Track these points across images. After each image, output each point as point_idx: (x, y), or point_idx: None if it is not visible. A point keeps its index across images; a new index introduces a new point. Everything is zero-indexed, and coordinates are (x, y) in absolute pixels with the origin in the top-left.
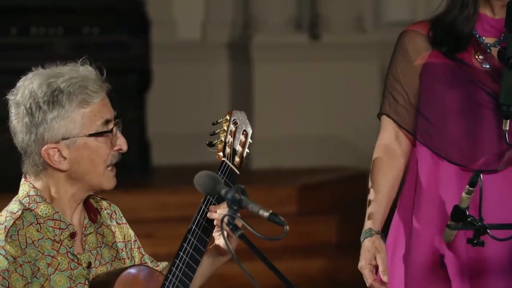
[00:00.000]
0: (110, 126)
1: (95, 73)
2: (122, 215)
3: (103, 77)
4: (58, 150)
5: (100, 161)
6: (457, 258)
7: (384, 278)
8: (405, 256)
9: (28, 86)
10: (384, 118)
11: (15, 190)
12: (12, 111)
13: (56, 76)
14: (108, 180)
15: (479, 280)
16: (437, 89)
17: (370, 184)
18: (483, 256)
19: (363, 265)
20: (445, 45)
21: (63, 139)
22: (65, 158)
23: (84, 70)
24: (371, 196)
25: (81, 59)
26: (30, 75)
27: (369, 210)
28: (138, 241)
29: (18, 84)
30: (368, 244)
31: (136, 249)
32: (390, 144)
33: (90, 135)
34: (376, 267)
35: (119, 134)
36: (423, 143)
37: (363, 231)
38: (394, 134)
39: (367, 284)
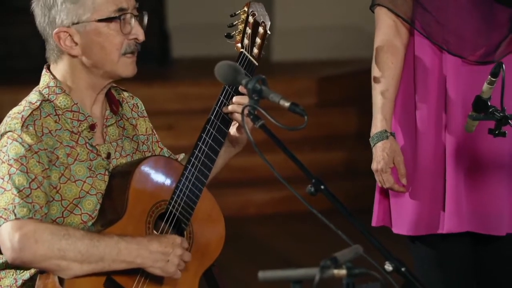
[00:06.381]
0: (125, 14)
1: None
2: (144, 108)
3: None
4: (69, 35)
5: (113, 48)
6: (457, 148)
7: (403, 181)
8: (410, 151)
9: None
10: (380, 11)
11: (35, 81)
12: None
13: None
14: (125, 68)
15: (474, 171)
16: None
17: (376, 81)
18: (483, 148)
19: (382, 168)
20: None
21: (73, 23)
22: (76, 44)
23: None
24: (380, 94)
25: None
26: None
27: (380, 109)
28: (156, 135)
29: None
30: (385, 146)
31: (155, 143)
32: (390, 39)
33: (99, 21)
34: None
35: (135, 24)
36: (424, 35)
37: (375, 132)
38: (393, 27)
39: (386, 187)
